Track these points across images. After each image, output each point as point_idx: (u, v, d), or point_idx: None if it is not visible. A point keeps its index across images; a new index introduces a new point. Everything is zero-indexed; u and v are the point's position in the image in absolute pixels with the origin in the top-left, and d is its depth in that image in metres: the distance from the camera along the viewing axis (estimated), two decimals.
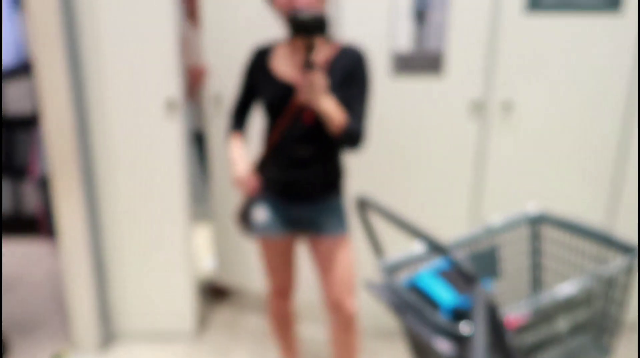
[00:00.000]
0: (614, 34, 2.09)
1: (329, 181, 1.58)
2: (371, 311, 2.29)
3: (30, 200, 3.51)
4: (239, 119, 1.66)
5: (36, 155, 2.98)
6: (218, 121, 2.28)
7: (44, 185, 2.99)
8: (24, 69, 3.28)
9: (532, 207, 1.41)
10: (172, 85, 2.05)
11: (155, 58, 2.03)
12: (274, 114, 1.53)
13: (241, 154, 1.58)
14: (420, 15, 2.06)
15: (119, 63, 2.04)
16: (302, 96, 1.37)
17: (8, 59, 3.24)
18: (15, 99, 3.27)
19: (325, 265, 1.61)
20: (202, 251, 3.15)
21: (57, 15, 1.92)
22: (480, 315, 0.66)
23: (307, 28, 1.32)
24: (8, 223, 3.62)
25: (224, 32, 2.17)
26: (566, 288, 1.03)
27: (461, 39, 2.07)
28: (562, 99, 2.15)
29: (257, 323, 2.51)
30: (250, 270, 2.47)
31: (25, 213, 3.54)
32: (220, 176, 2.35)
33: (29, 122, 3.29)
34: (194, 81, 2.32)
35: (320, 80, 1.34)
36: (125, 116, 2.10)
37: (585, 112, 2.17)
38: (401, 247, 1.30)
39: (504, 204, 2.21)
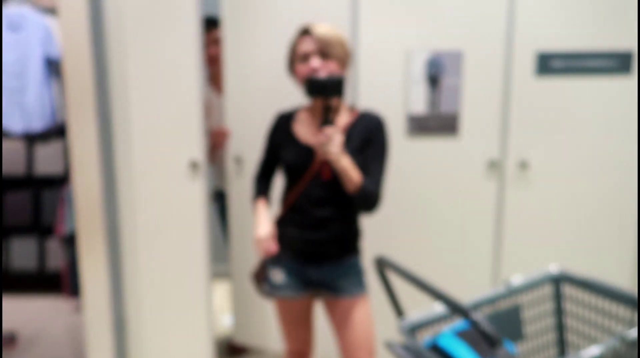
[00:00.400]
0: (626, 94, 2.13)
1: (346, 242, 1.60)
2: None
3: (55, 257, 3.57)
4: (264, 183, 1.72)
5: (63, 214, 3.06)
6: (238, 181, 2.34)
7: (69, 243, 3.06)
8: (56, 131, 3.44)
9: (554, 266, 1.40)
10: (195, 147, 2.14)
11: (180, 122, 2.14)
12: (295, 175, 1.58)
13: (265, 217, 1.61)
14: (434, 79, 2.14)
15: (146, 126, 2.15)
16: (320, 152, 1.41)
17: (43, 122, 3.42)
18: (46, 160, 3.41)
19: (343, 326, 1.59)
20: (220, 308, 3.14)
21: (91, 83, 2.05)
22: None
23: (324, 89, 1.40)
24: (32, 280, 3.68)
25: (245, 97, 2.27)
26: (591, 351, 1.00)
27: (475, 102, 2.14)
28: (578, 158, 2.18)
29: None
30: (268, 329, 2.44)
31: (49, 270, 3.60)
32: (240, 235, 2.38)
33: (58, 182, 3.41)
34: (216, 143, 2.41)
35: (337, 136, 1.39)
36: (150, 176, 2.18)
37: (602, 171, 2.19)
38: (422, 306, 1.29)
39: (524, 263, 2.20)
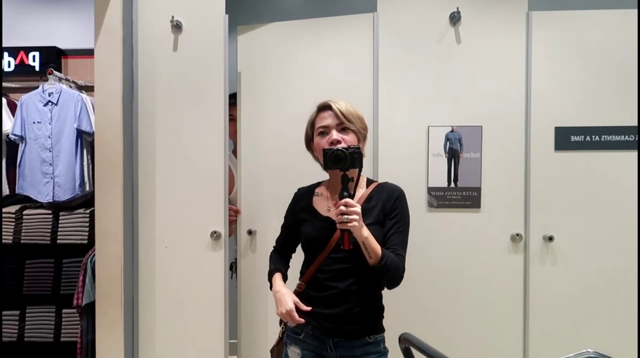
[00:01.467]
0: None
1: (367, 318, 1.54)
2: None
3: (72, 328, 3.52)
4: (281, 259, 1.71)
5: (82, 284, 3.06)
6: (251, 253, 2.32)
7: (86, 313, 3.02)
8: (82, 201, 3.52)
9: (590, 351, 1.32)
10: (218, 219, 2.17)
11: (204, 194, 2.18)
12: (314, 249, 1.56)
13: (287, 289, 1.58)
14: (454, 154, 2.16)
15: (171, 197, 2.19)
16: (339, 223, 1.40)
17: (71, 193, 3.51)
18: (71, 228, 3.46)
19: None
20: None
21: (121, 157, 2.13)
22: None
23: (343, 160, 1.41)
24: (47, 350, 3.61)
25: (257, 171, 2.31)
26: None
27: (496, 176, 2.14)
28: (603, 232, 2.13)
29: None
30: None
31: (66, 342, 3.53)
32: (249, 309, 2.31)
33: (80, 251, 3.43)
34: (231, 219, 2.43)
35: (354, 208, 1.39)
36: (172, 248, 2.19)
37: (626, 245, 2.12)
38: None
39: (553, 339, 2.09)
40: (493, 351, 2.12)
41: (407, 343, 1.14)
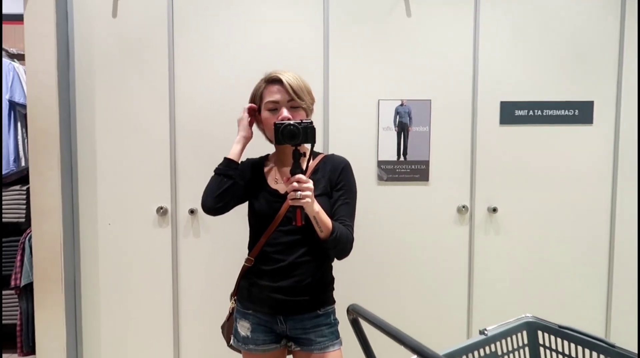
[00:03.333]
0: (586, 142, 2.21)
1: (318, 291, 1.54)
2: None
3: (10, 311, 3.36)
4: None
5: (20, 264, 2.91)
6: (193, 237, 2.24)
7: (25, 294, 2.89)
8: (19, 177, 3.32)
9: (528, 314, 1.38)
10: (165, 194, 2.10)
11: (150, 168, 2.10)
12: (263, 222, 1.53)
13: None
14: (404, 127, 2.17)
15: (113, 171, 2.10)
16: (291, 200, 1.38)
17: (5, 168, 3.30)
18: (7, 206, 3.27)
19: None
20: None
21: (57, 129, 2.01)
22: None
23: (296, 135, 1.38)
24: None
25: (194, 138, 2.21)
26: None
27: (443, 150, 2.18)
28: (546, 204, 2.22)
29: None
30: None
31: (4, 323, 3.37)
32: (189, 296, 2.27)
33: (18, 230, 3.26)
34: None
35: (307, 184, 1.37)
36: (116, 225, 2.11)
37: (567, 216, 2.23)
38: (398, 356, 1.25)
39: (497, 307, 2.18)
40: (439, 318, 2.19)
41: (355, 314, 1.15)
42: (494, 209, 2.19)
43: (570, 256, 2.23)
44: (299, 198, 1.36)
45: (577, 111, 2.22)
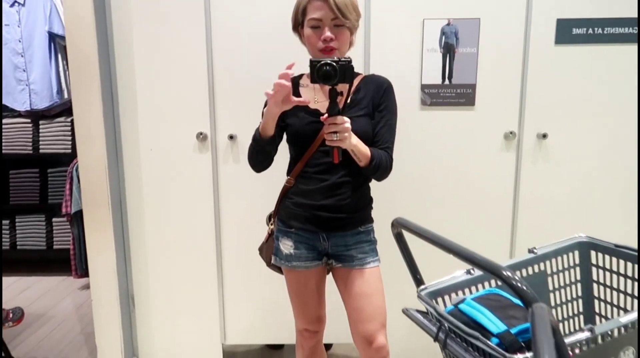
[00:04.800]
0: None
1: (357, 209, 1.53)
2: (403, 349, 2.19)
3: (63, 237, 3.55)
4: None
5: (70, 193, 3.02)
6: (233, 163, 2.21)
7: (76, 221, 3.02)
8: (63, 109, 3.40)
9: (581, 234, 1.33)
10: (204, 120, 2.09)
11: (189, 93, 2.08)
12: (303, 143, 1.51)
13: None
14: (450, 49, 2.05)
15: (152, 97, 2.09)
16: (328, 140, 1.35)
17: (49, 100, 3.37)
18: (53, 138, 3.37)
19: (355, 297, 1.53)
20: None
21: (96, 59, 1.99)
22: (544, 337, 0.59)
23: (332, 76, 1.31)
24: (40, 259, 3.67)
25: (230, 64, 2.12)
26: (629, 315, 0.94)
27: (492, 72, 2.05)
28: (596, 130, 2.09)
29: None
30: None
31: (57, 249, 3.58)
32: (231, 220, 2.24)
33: (65, 160, 3.37)
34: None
35: (346, 123, 1.33)
36: (157, 150, 2.13)
37: (620, 143, 2.10)
38: (435, 277, 1.23)
39: (541, 234, 2.12)
40: (481, 243, 2.14)
41: (400, 227, 1.13)
42: (544, 136, 2.08)
43: (622, 187, 2.12)
44: (337, 139, 1.32)
45: (636, 28, 2.03)
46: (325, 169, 1.49)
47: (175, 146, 2.13)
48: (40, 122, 3.36)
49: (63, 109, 3.40)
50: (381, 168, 1.46)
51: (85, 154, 2.08)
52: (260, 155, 1.52)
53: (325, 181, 1.49)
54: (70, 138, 3.32)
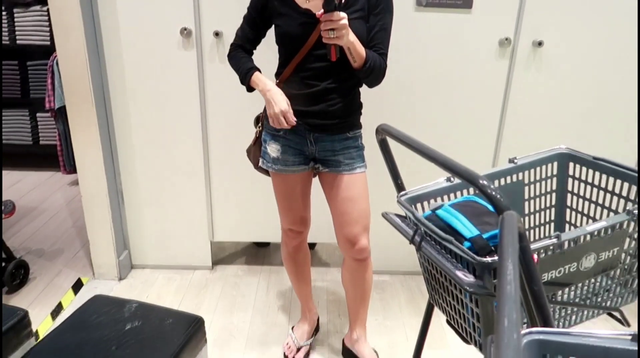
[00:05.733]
0: None
1: (347, 115, 1.52)
2: (383, 250, 2.30)
3: (49, 132, 3.51)
4: (249, 55, 1.56)
5: (52, 87, 2.94)
6: (219, 62, 2.15)
7: (61, 116, 2.98)
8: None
9: (562, 145, 1.34)
10: (188, 15, 1.98)
11: None
12: (294, 46, 1.45)
13: (278, 89, 1.47)
14: None
15: None
16: (325, 37, 1.30)
17: None
18: (30, 29, 3.20)
19: (341, 201, 1.57)
20: None
21: None
22: (509, 243, 0.62)
23: None
24: (28, 154, 3.66)
25: None
26: (596, 225, 0.99)
27: None
28: (594, 41, 2.03)
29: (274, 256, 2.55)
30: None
31: (44, 145, 3.56)
32: (217, 119, 2.23)
33: (43, 55, 3.24)
34: None
35: (343, 19, 1.27)
36: (140, 43, 2.04)
37: (614, 56, 2.05)
38: (416, 183, 1.26)
39: (527, 146, 2.15)
40: (467, 148, 2.18)
41: (384, 134, 1.13)
42: (540, 44, 2.02)
43: (615, 96, 2.11)
44: (333, 36, 1.27)
45: None
46: (316, 75, 1.45)
47: (158, 42, 2.04)
48: (15, 10, 3.17)
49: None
50: (375, 70, 1.43)
51: (63, 46, 1.99)
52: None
53: (315, 86, 1.46)
54: (48, 28, 3.16)
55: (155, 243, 2.39)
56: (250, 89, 1.53)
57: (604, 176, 1.24)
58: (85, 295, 2.20)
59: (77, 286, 2.29)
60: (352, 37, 1.34)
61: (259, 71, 1.52)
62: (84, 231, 2.35)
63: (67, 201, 3.18)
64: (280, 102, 1.44)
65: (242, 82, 1.53)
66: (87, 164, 2.16)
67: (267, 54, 1.63)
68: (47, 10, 3.11)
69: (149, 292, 2.26)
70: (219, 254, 2.59)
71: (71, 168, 3.14)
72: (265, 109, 1.56)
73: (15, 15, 3.17)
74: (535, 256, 0.94)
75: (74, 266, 2.45)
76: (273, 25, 1.51)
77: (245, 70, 1.51)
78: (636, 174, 1.14)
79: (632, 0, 1.97)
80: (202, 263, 2.43)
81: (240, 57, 1.54)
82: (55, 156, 3.17)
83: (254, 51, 1.59)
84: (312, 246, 2.62)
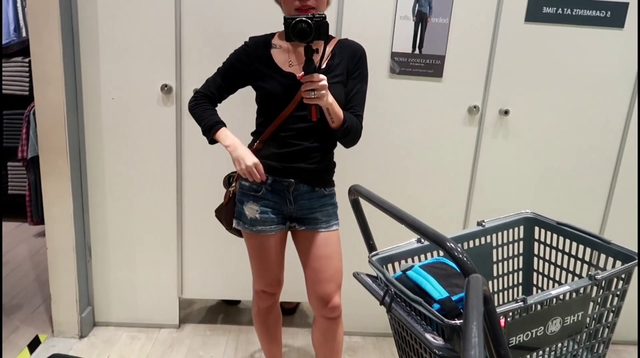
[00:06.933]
0: (614, 47, 2.10)
1: (324, 174, 1.56)
2: (355, 311, 2.27)
3: (19, 182, 3.44)
4: (214, 109, 1.59)
5: (26, 137, 2.92)
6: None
7: (33, 166, 2.94)
8: (21, 49, 3.23)
9: (527, 210, 1.39)
10: (169, 71, 2.04)
11: (155, 43, 2.01)
12: (277, 106, 1.49)
13: (243, 145, 1.50)
14: (422, 17, 2.05)
15: (116, 43, 2.01)
16: (305, 97, 1.35)
17: (6, 38, 3.19)
18: (10, 78, 3.22)
19: (315, 259, 1.57)
20: None
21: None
22: (474, 306, 0.63)
23: (308, 34, 1.29)
24: None
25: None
26: (560, 288, 1.01)
27: (461, 45, 2.07)
28: (558, 109, 2.15)
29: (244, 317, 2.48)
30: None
31: (12, 195, 3.48)
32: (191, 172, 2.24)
33: (21, 104, 3.23)
34: None
35: (321, 82, 1.32)
36: (119, 99, 2.07)
37: (580, 124, 2.18)
38: (392, 244, 1.28)
39: (496, 210, 2.20)
40: (438, 211, 2.21)
41: (356, 194, 1.16)
42: (506, 112, 2.14)
43: (577, 164, 2.21)
44: (314, 97, 1.32)
45: (609, 12, 2.07)
46: (299, 134, 1.49)
47: (138, 97, 2.07)
48: None
49: (20, 49, 3.23)
50: (352, 131, 1.47)
51: (43, 97, 2.00)
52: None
53: (297, 145, 1.49)
54: (27, 79, 3.18)
55: (120, 299, 2.31)
56: (212, 141, 1.55)
57: (567, 241, 1.28)
58: (41, 354, 2.09)
59: (34, 344, 2.17)
60: (331, 98, 1.39)
61: (225, 126, 1.55)
62: (46, 285, 2.27)
63: (32, 254, 3.08)
64: (249, 156, 1.47)
65: (205, 134, 1.54)
66: (56, 216, 2.12)
67: (242, 111, 1.67)
68: (29, 62, 3.15)
69: (110, 352, 2.16)
70: (187, 311, 2.51)
71: (38, 219, 3.06)
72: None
73: None
74: (502, 319, 0.95)
75: (33, 322, 2.34)
76: (250, 86, 1.56)
77: (211, 123, 1.53)
78: (597, 240, 1.19)
79: (590, 73, 2.12)
80: (168, 320, 2.35)
81: (206, 108, 1.57)
82: (22, 206, 3.10)
83: (218, 104, 1.62)
84: (294, 310, 2.57)
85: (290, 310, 2.53)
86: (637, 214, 2.26)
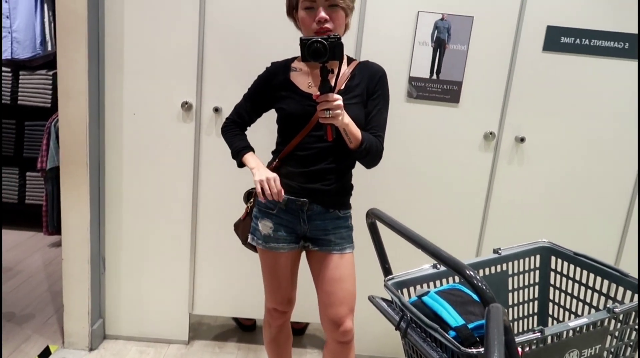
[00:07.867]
0: (631, 79, 2.10)
1: (340, 195, 1.57)
2: (368, 335, 2.25)
3: (36, 192, 3.50)
4: (244, 134, 1.64)
5: (46, 148, 2.98)
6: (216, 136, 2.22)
7: (51, 177, 2.99)
8: (46, 62, 3.32)
9: (544, 239, 1.39)
10: (190, 89, 2.08)
11: (176, 62, 2.06)
12: (295, 126, 1.51)
13: (266, 168, 1.53)
14: (441, 44, 2.07)
15: (139, 60, 2.06)
16: (321, 117, 1.36)
17: (31, 51, 3.28)
18: (33, 90, 3.29)
19: (328, 281, 1.57)
20: None
21: (84, 12, 1.95)
22: (496, 336, 0.63)
23: (322, 54, 1.31)
24: (12, 212, 3.62)
25: (222, 39, 2.15)
26: (578, 321, 1.00)
27: (479, 72, 2.09)
28: (573, 138, 2.16)
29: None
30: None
31: (29, 204, 3.53)
32: (209, 194, 2.26)
33: (44, 114, 3.30)
34: None
35: (337, 101, 1.34)
36: (140, 114, 2.11)
37: (595, 153, 2.17)
38: (408, 268, 1.28)
39: (509, 238, 2.19)
40: (451, 237, 2.20)
41: (373, 218, 1.16)
42: (522, 139, 2.14)
43: (592, 193, 2.20)
44: (330, 117, 1.34)
45: (627, 44, 2.08)
46: (317, 155, 1.50)
47: (159, 113, 2.11)
48: (21, 73, 3.27)
49: (45, 62, 3.32)
50: (371, 152, 1.47)
51: (66, 110, 2.05)
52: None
53: (314, 166, 1.51)
54: (50, 92, 3.25)
55: (131, 313, 2.32)
56: (241, 165, 1.59)
57: (585, 272, 1.27)
58: None
59: (45, 354, 2.18)
60: (347, 119, 1.39)
61: (253, 150, 1.59)
62: (59, 296, 2.28)
63: (46, 264, 3.11)
64: (267, 172, 1.49)
65: (234, 157, 1.60)
66: (72, 226, 2.15)
67: (265, 133, 1.70)
68: (52, 75, 3.23)
69: None
70: (197, 328, 2.51)
71: (54, 229, 3.10)
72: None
73: (21, 77, 3.27)
74: (520, 349, 0.94)
75: (44, 332, 2.35)
76: (273, 109, 1.59)
77: (239, 147, 1.58)
78: (615, 273, 1.18)
79: (606, 103, 2.12)
80: (178, 336, 2.35)
81: (235, 133, 1.63)
82: (39, 216, 3.14)
83: (248, 128, 1.67)
84: (303, 330, 2.56)
85: (299, 330, 2.52)
86: None
